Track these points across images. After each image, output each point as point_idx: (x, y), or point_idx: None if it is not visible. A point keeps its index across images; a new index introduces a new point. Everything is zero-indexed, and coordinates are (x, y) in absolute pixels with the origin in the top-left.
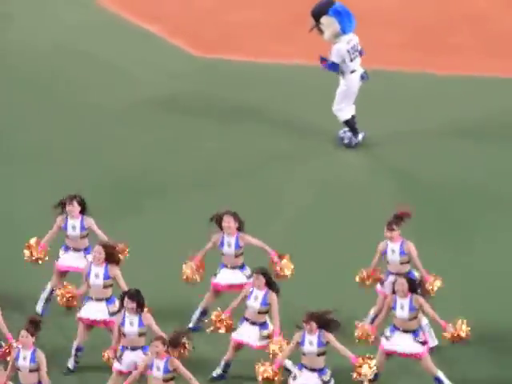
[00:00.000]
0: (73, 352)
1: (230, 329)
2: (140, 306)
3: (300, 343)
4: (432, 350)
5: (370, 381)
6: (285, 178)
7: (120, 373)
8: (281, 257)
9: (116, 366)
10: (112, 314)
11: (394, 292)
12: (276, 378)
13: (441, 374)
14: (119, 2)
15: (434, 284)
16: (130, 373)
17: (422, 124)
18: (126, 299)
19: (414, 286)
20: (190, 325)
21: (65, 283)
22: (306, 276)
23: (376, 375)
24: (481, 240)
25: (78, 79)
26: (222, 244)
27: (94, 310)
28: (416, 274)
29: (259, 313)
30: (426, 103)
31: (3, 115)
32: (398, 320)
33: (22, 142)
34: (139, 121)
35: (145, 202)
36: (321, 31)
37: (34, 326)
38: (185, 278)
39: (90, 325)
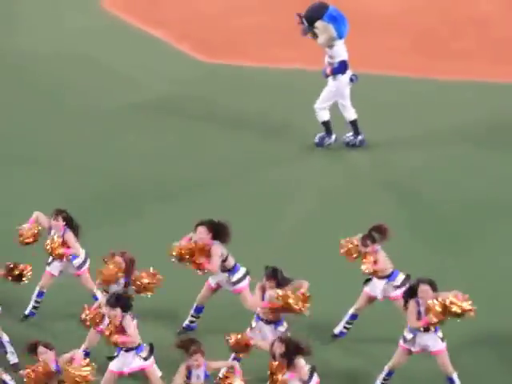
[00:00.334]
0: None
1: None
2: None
3: None
4: None
5: None
6: (287, 183)
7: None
8: None
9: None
10: None
11: (411, 296)
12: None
13: (455, 376)
14: (124, 7)
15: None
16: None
17: (423, 129)
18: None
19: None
20: (184, 323)
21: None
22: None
23: (390, 373)
24: (480, 246)
25: (81, 83)
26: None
27: None
28: (400, 273)
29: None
30: (427, 108)
31: (4, 118)
32: None
33: (22, 146)
34: (143, 125)
35: (147, 207)
36: (315, 35)
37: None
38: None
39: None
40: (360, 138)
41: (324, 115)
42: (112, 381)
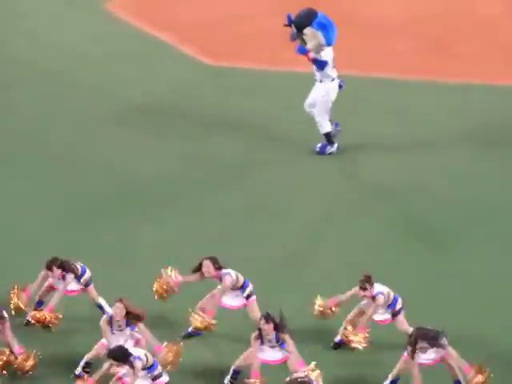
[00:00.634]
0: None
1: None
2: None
3: None
4: None
5: None
6: (288, 185)
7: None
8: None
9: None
10: None
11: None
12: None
13: (462, 379)
14: (131, 9)
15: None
16: None
17: (426, 132)
18: None
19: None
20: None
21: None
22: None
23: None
24: (469, 249)
25: (84, 85)
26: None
27: None
28: (400, 300)
29: None
30: (433, 112)
31: (13, 119)
32: None
33: (29, 149)
34: (147, 127)
35: (154, 210)
36: (303, 41)
37: None
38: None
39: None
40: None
41: (327, 126)
42: None
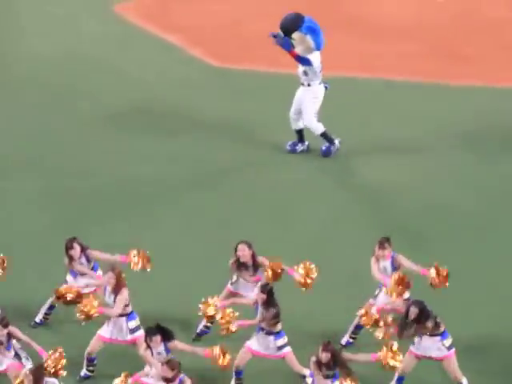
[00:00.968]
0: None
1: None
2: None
3: None
4: None
5: None
6: (290, 186)
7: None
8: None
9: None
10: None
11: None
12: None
13: (465, 381)
14: (139, 12)
15: (433, 273)
16: None
17: (430, 135)
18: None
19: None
20: (198, 330)
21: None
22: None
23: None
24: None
25: (93, 87)
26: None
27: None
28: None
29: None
30: (435, 114)
31: (15, 123)
32: None
33: (31, 150)
34: (156, 128)
35: (155, 210)
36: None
37: None
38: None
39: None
40: (305, 146)
41: (320, 127)
42: None
